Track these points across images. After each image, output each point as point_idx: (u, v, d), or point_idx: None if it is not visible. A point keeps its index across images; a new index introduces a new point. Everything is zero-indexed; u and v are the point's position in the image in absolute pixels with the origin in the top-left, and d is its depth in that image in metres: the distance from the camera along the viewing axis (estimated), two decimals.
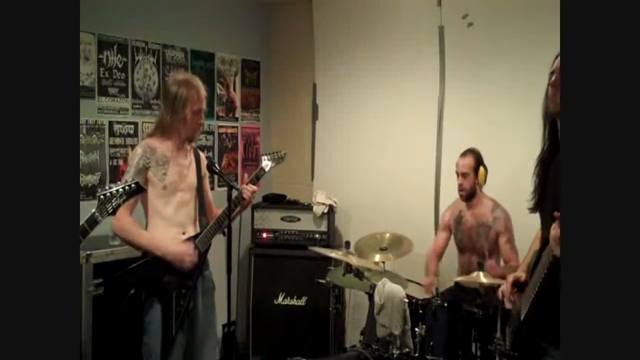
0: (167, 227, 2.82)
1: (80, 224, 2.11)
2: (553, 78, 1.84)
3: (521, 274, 2.06)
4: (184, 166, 2.90)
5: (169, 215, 2.83)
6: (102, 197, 2.21)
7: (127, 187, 2.27)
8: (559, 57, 1.83)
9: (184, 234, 2.86)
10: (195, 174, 2.94)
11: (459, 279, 3.22)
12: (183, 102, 2.80)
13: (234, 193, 2.80)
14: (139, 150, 2.83)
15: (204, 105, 2.89)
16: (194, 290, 2.82)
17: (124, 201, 2.27)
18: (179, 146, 2.89)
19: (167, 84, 2.95)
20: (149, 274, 2.76)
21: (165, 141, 2.86)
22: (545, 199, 1.91)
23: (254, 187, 2.94)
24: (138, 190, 2.32)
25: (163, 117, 2.89)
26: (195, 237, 2.86)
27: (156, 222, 2.82)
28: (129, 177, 2.71)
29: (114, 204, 2.23)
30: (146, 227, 2.84)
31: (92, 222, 2.15)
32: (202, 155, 3.07)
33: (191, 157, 2.97)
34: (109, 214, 2.23)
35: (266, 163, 3.05)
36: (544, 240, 1.82)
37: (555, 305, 1.46)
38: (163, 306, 2.75)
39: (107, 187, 2.25)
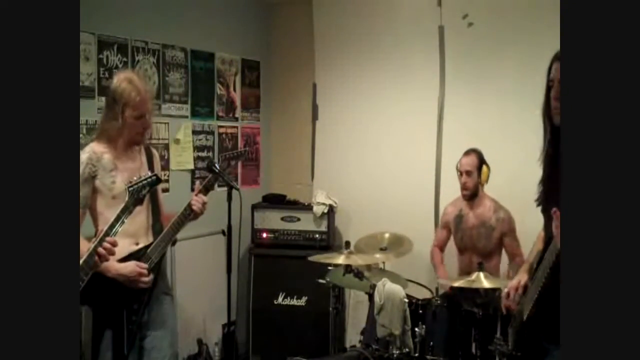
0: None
1: None
2: (554, 91, 1.78)
3: (520, 278, 2.06)
4: (133, 171, 2.61)
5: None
6: None
7: None
8: (557, 64, 1.78)
9: (137, 244, 2.65)
10: None
11: (457, 284, 3.21)
12: (122, 105, 2.53)
13: (198, 200, 2.65)
14: (83, 157, 2.55)
15: (149, 107, 2.62)
16: (147, 304, 2.61)
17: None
18: (125, 150, 2.65)
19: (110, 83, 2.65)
20: (97, 293, 2.47)
21: (111, 145, 2.61)
22: (549, 196, 1.90)
23: (205, 198, 2.73)
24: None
25: (102, 120, 2.65)
26: (147, 247, 2.65)
27: None
28: None
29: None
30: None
31: None
32: (155, 152, 2.86)
33: (142, 159, 2.73)
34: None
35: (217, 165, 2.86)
36: (547, 240, 1.82)
37: (558, 306, 1.45)
38: (113, 326, 2.54)
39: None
